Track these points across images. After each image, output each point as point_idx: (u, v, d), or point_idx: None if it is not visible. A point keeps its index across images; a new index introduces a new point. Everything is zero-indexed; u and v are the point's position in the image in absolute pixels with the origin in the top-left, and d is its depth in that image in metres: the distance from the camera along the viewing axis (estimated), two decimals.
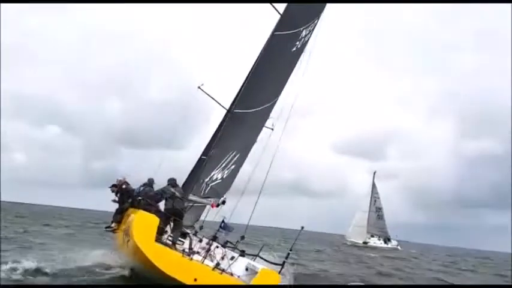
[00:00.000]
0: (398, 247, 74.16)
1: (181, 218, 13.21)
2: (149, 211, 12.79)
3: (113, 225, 14.64)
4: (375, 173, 76.02)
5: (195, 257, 11.92)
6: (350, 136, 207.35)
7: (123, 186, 14.50)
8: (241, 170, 15.07)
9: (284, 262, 11.66)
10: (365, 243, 73.00)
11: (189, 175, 15.00)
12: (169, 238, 12.97)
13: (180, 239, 13.34)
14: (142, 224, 11.97)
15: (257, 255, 12.80)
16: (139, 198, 13.66)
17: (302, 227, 12.21)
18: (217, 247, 12.61)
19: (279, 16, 12.97)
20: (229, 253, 12.55)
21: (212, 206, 14.54)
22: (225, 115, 13.77)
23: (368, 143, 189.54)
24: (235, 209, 14.17)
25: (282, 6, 12.98)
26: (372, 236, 74.77)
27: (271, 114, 14.52)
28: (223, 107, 13.71)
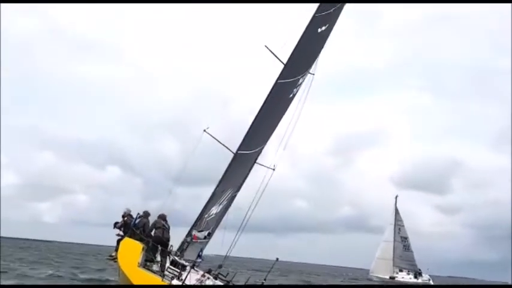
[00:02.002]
0: (431, 281, 76.05)
1: (166, 246, 17.39)
2: (143, 241, 17.07)
3: (113, 254, 18.49)
4: (396, 197, 77.69)
5: (174, 281, 15.82)
6: (412, 169, 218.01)
7: (125, 219, 18.59)
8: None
9: None
10: (392, 278, 74.77)
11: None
12: (169, 270, 16.88)
13: (173, 268, 17.08)
14: (126, 250, 16.57)
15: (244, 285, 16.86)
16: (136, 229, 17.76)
17: (277, 259, 16.56)
18: (208, 278, 16.72)
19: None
20: (218, 283, 16.85)
21: (194, 238, 18.21)
22: (234, 156, 17.81)
23: (431, 175, 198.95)
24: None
25: (285, 55, 17.16)
26: (401, 271, 76.76)
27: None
28: (228, 149, 17.70)
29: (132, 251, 16.69)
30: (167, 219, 18.03)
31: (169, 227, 17.83)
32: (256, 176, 18.46)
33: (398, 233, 75.58)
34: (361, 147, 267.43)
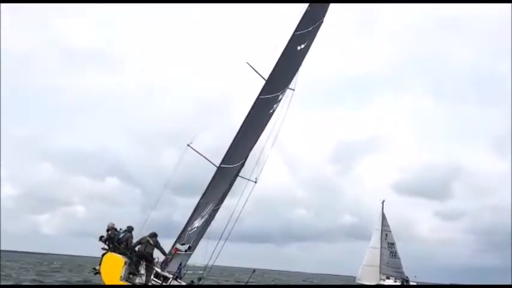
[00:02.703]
0: None
1: (149, 260, 19.17)
2: (125, 255, 18.95)
3: (97, 267, 20.02)
4: (383, 202, 78.79)
5: None
6: (412, 175, 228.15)
7: (109, 233, 20.25)
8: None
9: None
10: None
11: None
12: (152, 282, 18.74)
13: (156, 280, 18.93)
14: (109, 264, 18.73)
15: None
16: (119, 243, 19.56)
17: (254, 270, 18.52)
18: None
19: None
20: None
21: (174, 251, 19.87)
22: (217, 169, 19.47)
23: (432, 181, 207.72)
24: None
25: (266, 71, 18.85)
26: (388, 278, 78.48)
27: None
28: (211, 163, 19.38)
29: (114, 265, 18.63)
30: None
31: (155, 242, 19.49)
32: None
33: (385, 239, 77.00)
34: (361, 154, 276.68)
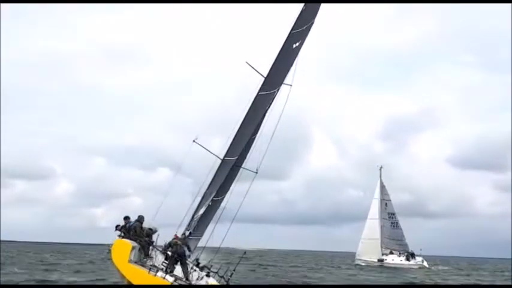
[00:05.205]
0: (424, 263, 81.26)
1: (183, 257, 24.79)
2: (135, 241, 25.12)
3: (111, 249, 25.76)
4: (381, 168, 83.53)
5: (159, 273, 23.20)
6: (468, 148, 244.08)
7: (125, 222, 26.48)
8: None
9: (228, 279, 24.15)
10: (381, 260, 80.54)
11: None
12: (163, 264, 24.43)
13: (165, 261, 24.60)
14: (118, 248, 24.84)
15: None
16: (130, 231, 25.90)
17: (245, 252, 24.05)
18: (194, 271, 24.52)
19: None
20: (202, 274, 24.56)
21: (175, 237, 25.28)
22: (221, 162, 25.01)
23: (489, 153, 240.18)
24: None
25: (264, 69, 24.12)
26: (391, 253, 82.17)
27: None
28: (216, 156, 24.82)
29: (122, 249, 24.64)
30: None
31: (183, 242, 25.07)
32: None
33: (385, 209, 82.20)
34: (412, 130, 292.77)
